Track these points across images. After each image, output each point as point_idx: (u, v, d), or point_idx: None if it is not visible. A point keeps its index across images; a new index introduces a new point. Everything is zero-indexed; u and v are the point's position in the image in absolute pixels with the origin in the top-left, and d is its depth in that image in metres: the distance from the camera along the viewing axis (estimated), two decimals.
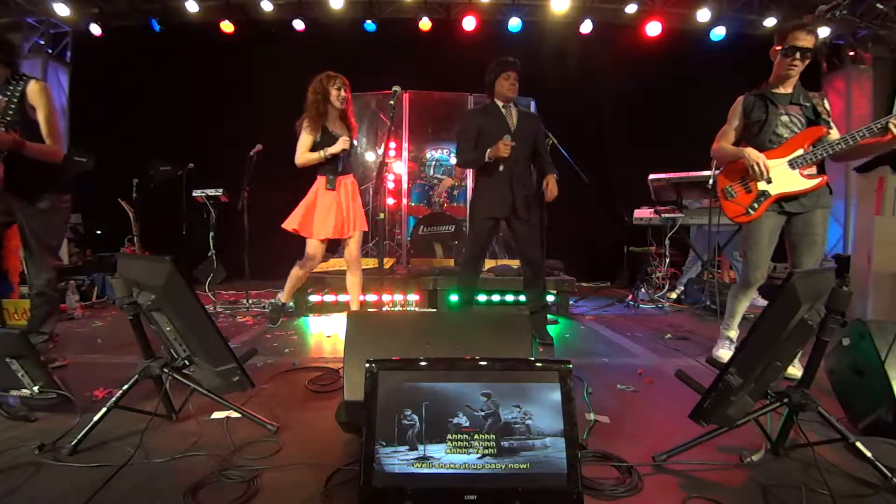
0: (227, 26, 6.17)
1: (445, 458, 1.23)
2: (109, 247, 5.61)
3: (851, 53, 6.36)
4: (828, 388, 2.00)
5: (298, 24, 6.25)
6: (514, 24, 6.26)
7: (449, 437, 1.25)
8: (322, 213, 3.19)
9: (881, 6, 3.79)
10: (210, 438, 1.71)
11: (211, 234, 4.80)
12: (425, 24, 6.29)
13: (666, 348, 3.17)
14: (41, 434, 1.66)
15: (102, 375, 2.34)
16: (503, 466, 1.23)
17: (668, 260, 5.11)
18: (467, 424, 1.26)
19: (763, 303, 4.49)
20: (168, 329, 1.67)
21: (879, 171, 3.87)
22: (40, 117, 2.42)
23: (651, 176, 5.03)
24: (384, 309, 3.74)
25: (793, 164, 2.43)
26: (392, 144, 5.58)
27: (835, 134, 2.43)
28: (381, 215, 3.36)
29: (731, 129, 2.63)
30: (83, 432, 1.60)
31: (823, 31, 6.08)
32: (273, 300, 3.57)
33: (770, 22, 5.95)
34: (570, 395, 1.28)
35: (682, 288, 5.12)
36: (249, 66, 6.32)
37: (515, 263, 4.47)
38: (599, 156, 6.67)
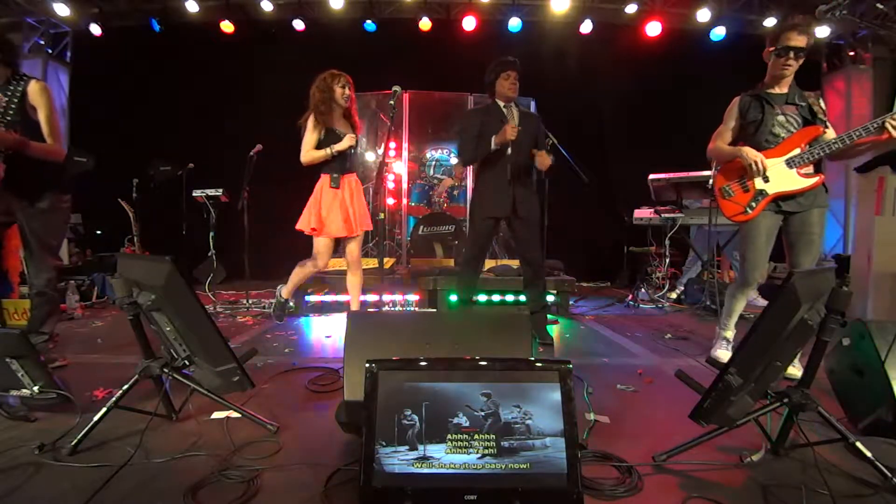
0: (227, 26, 6.17)
1: (445, 458, 1.23)
2: (109, 247, 5.61)
3: (851, 53, 6.36)
4: (828, 388, 2.00)
5: (298, 24, 6.25)
6: (514, 24, 6.26)
7: (449, 437, 1.25)
8: (330, 212, 3.18)
9: (881, 6, 3.79)
10: (210, 438, 1.71)
11: (211, 234, 4.80)
12: (425, 24, 6.28)
13: (666, 348, 3.17)
14: (41, 434, 1.66)
15: (102, 375, 2.34)
16: (503, 466, 1.23)
17: (668, 260, 5.12)
18: (467, 424, 1.26)
19: (763, 303, 4.49)
20: (168, 329, 1.67)
21: (879, 171, 3.87)
22: (41, 117, 2.42)
23: (651, 176, 5.03)
24: (384, 309, 3.74)
25: (790, 164, 2.44)
26: (392, 144, 5.58)
27: (831, 133, 2.45)
28: (381, 215, 3.35)
29: (727, 129, 2.64)
30: (83, 432, 1.60)
31: (823, 31, 6.08)
32: (275, 297, 3.55)
33: (770, 22, 5.94)
34: (570, 395, 1.28)
35: (682, 288, 5.13)
36: (249, 66, 6.32)
37: (515, 263, 4.47)
38: (599, 156, 6.67)
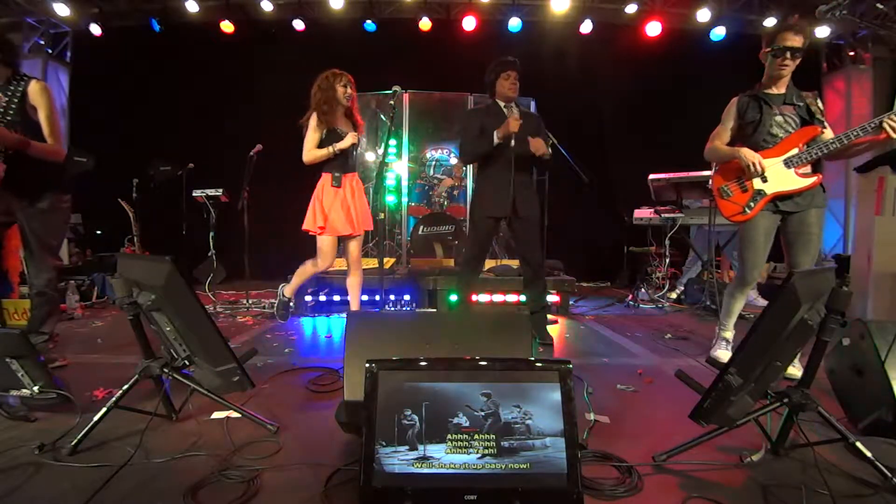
0: (227, 26, 6.17)
1: (445, 458, 1.23)
2: (109, 247, 5.61)
3: (851, 53, 6.36)
4: (828, 388, 2.00)
5: (298, 24, 6.25)
6: (514, 24, 6.26)
7: (449, 437, 1.25)
8: (332, 210, 3.18)
9: (881, 6, 3.79)
10: (210, 438, 1.71)
11: (211, 234, 4.80)
12: (425, 24, 6.29)
13: (666, 348, 3.17)
14: (41, 434, 1.66)
15: (102, 375, 2.34)
16: (503, 466, 1.23)
17: (668, 260, 5.12)
18: (467, 424, 1.26)
19: (763, 303, 4.49)
20: (168, 329, 1.67)
21: (879, 171, 3.86)
22: (42, 117, 2.42)
23: (651, 176, 5.02)
24: (384, 309, 3.74)
25: (788, 164, 2.45)
26: (392, 143, 5.58)
27: (829, 133, 2.46)
28: (381, 215, 3.35)
29: (725, 129, 2.64)
30: (83, 432, 1.60)
31: (823, 31, 6.08)
32: (277, 296, 3.55)
33: (770, 22, 5.94)
34: (570, 395, 1.28)
35: (682, 288, 5.13)
36: (249, 66, 6.32)
37: (515, 263, 4.47)
38: (599, 156, 6.67)
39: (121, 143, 5.97)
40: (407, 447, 1.24)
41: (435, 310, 4.19)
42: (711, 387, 1.45)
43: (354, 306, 3.42)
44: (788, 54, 2.39)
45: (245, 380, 1.72)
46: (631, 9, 6.13)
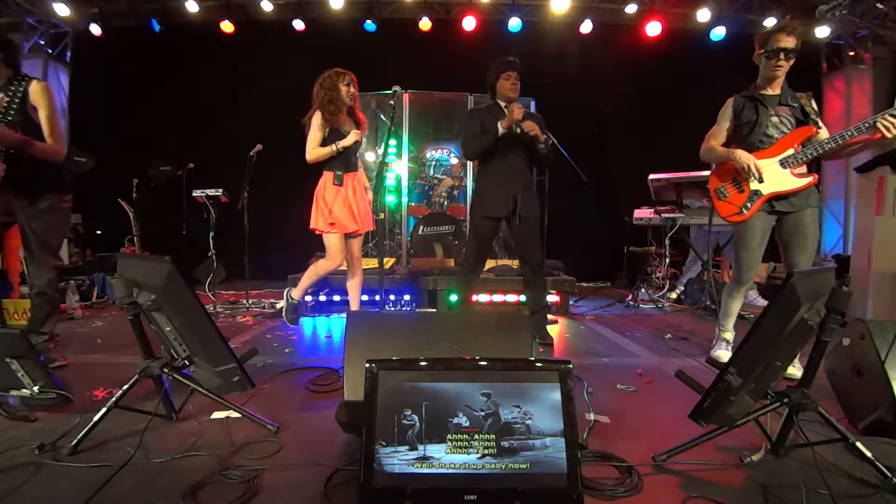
0: (227, 26, 6.18)
1: (445, 458, 1.23)
2: (109, 247, 5.61)
3: (851, 53, 6.36)
4: (828, 388, 2.00)
5: (298, 24, 6.26)
6: (514, 24, 6.27)
7: (449, 437, 1.25)
8: (334, 206, 3.17)
9: (881, 6, 3.79)
10: (210, 438, 1.71)
11: (211, 234, 4.79)
12: (425, 24, 6.29)
13: (666, 348, 3.17)
14: (41, 434, 1.66)
15: (102, 375, 2.34)
16: (503, 466, 1.23)
17: (668, 260, 5.11)
18: (467, 424, 1.26)
19: (763, 303, 4.49)
20: (168, 329, 1.67)
21: (879, 171, 3.86)
22: (42, 117, 2.42)
23: (651, 176, 5.03)
24: (384, 309, 3.74)
25: (784, 164, 2.46)
26: (392, 143, 5.58)
27: (824, 133, 2.47)
28: (381, 215, 3.34)
29: (721, 130, 2.65)
30: (83, 432, 1.60)
31: (823, 31, 6.08)
32: (285, 300, 3.50)
33: (770, 22, 5.94)
34: (570, 395, 1.28)
35: (682, 288, 5.13)
36: (249, 66, 6.32)
37: (515, 263, 4.47)
38: (599, 156, 6.67)
39: (121, 143, 5.97)
40: (407, 447, 1.24)
41: (435, 310, 4.19)
42: (711, 387, 1.45)
43: (354, 306, 3.42)
44: (782, 55, 2.41)
45: (245, 380, 1.72)
46: (631, 9, 6.13)
